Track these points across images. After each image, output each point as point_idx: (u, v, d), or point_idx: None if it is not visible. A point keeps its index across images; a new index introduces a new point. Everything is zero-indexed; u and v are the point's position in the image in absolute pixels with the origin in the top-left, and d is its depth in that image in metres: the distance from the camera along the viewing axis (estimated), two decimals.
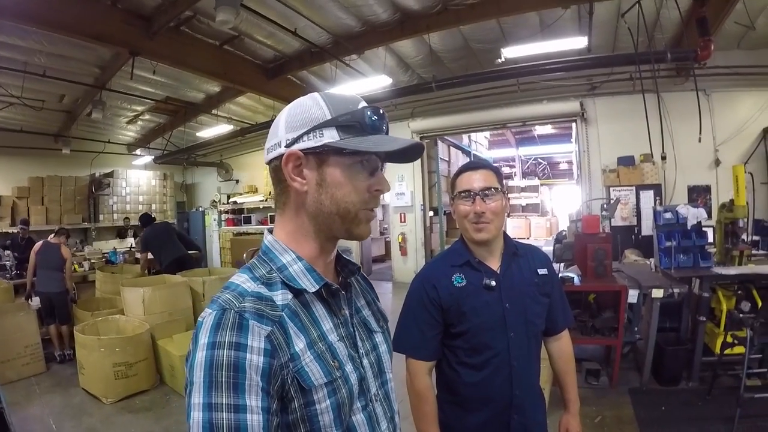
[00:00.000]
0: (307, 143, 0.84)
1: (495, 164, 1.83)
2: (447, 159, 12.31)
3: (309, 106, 0.86)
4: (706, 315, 4.33)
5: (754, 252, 4.74)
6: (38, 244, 6.27)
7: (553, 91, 8.58)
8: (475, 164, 1.68)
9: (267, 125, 10.32)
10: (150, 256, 7.48)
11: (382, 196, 0.93)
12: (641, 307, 4.46)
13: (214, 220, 13.73)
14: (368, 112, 0.86)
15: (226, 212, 13.16)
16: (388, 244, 13.64)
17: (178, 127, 11.25)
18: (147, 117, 10.96)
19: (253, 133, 11.04)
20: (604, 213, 5.64)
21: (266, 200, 11.75)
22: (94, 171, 12.53)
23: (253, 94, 9.33)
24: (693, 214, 4.71)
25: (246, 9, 5.77)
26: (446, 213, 11.46)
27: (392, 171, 10.08)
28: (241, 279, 0.84)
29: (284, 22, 6.46)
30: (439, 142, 11.48)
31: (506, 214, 1.66)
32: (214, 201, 13.86)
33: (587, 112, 8.63)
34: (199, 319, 0.78)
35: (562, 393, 1.84)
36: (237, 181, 13.96)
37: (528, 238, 19.20)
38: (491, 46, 7.51)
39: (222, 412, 0.68)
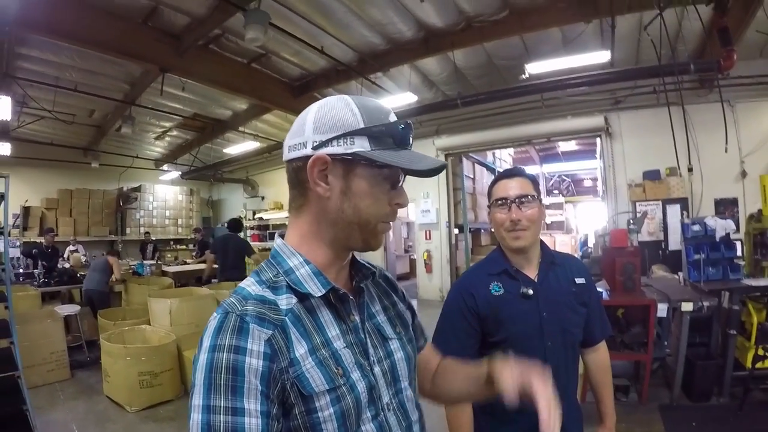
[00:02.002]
0: (336, 149, 0.82)
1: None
2: (472, 176, 12.29)
3: (341, 110, 0.84)
4: (736, 328, 4.26)
5: None
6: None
7: (577, 106, 8.56)
8: (511, 172, 1.68)
9: None
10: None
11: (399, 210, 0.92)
12: (670, 322, 4.39)
13: (240, 235, 13.86)
14: (401, 127, 0.85)
15: (252, 228, 13.31)
16: (413, 262, 13.60)
17: (205, 143, 11.49)
18: (175, 133, 11.22)
19: (279, 150, 11.17)
20: (631, 227, 5.56)
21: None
22: (122, 185, 12.86)
23: (280, 112, 9.42)
24: (721, 226, 4.64)
25: (273, 27, 5.88)
26: (471, 230, 11.41)
27: (417, 188, 10.14)
28: (248, 283, 0.85)
29: (310, 40, 6.60)
30: (464, 159, 11.49)
31: (543, 222, 1.65)
32: (240, 217, 14.05)
33: (611, 127, 8.57)
34: (208, 322, 0.78)
35: (598, 406, 1.80)
36: (263, 198, 14.13)
37: None
38: (515, 62, 7.53)
39: (220, 414, 0.68)
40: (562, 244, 20.39)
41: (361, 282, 0.96)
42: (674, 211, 7.64)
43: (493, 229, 1.71)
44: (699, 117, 7.65)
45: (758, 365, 3.99)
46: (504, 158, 16.22)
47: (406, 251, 14.28)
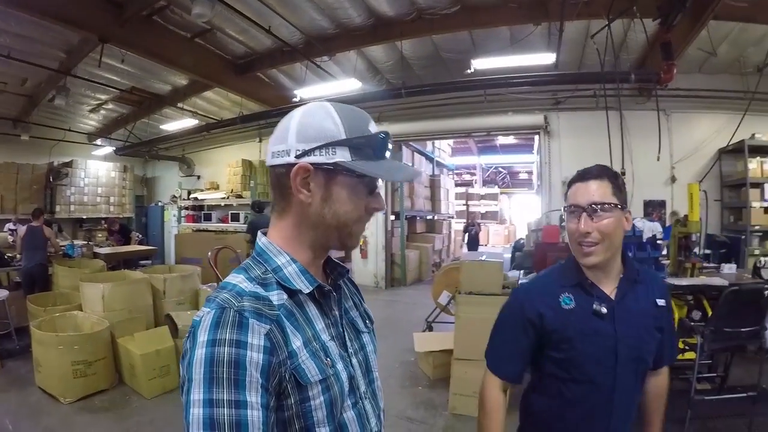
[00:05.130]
0: (318, 158, 0.86)
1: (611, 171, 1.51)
2: (410, 164, 12.37)
3: (323, 119, 0.87)
4: None
5: (705, 264, 4.99)
6: (23, 229, 7.13)
7: (518, 103, 8.77)
8: (589, 173, 1.44)
9: (233, 122, 10.28)
10: None
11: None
12: None
13: (174, 216, 13.36)
14: (381, 139, 0.90)
15: (186, 208, 12.83)
16: None
17: (141, 118, 11.05)
18: (110, 106, 10.70)
19: (219, 129, 10.94)
20: (563, 224, 5.83)
21: (228, 198, 11.56)
22: (52, 159, 12.09)
23: (221, 90, 9.24)
24: (649, 228, 4.93)
25: (221, 3, 5.72)
26: (407, 218, 11.54)
27: None
28: (238, 279, 0.86)
29: (258, 18, 6.45)
30: (404, 147, 11.59)
31: (624, 231, 1.42)
32: (175, 196, 13.52)
33: (551, 126, 8.86)
34: (195, 318, 0.79)
35: (647, 430, 1.67)
36: (199, 177, 13.68)
37: (486, 245, 19.51)
38: (461, 56, 7.66)
39: (223, 407, 0.69)
40: (495, 234, 21.16)
41: (338, 279, 1.02)
42: None
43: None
44: (635, 123, 8.12)
45: (679, 357, 4.29)
46: (443, 148, 16.53)
47: None
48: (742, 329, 3.70)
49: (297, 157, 0.86)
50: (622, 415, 1.44)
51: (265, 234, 0.96)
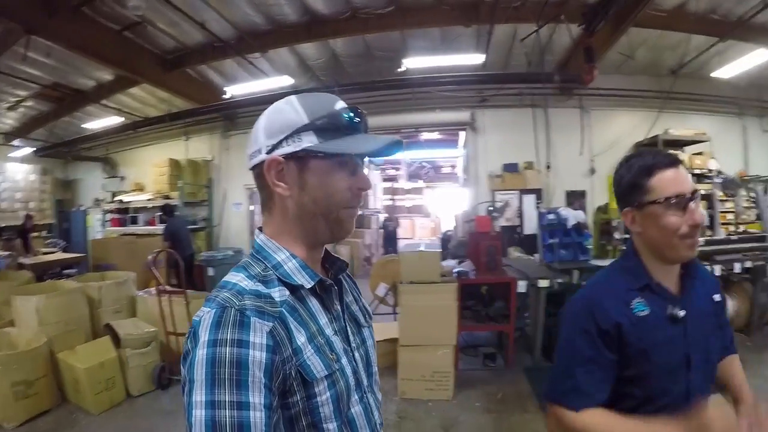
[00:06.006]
0: (287, 149, 0.86)
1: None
2: None
3: (285, 111, 0.88)
4: None
5: (624, 247, 5.55)
6: None
7: (446, 100, 9.02)
8: (672, 158, 1.26)
9: (161, 119, 10.03)
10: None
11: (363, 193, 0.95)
12: (529, 296, 5.01)
13: (98, 220, 12.57)
14: (343, 113, 0.89)
15: (111, 212, 12.12)
16: None
17: (63, 116, 10.43)
18: (30, 103, 10.00)
19: (144, 127, 10.56)
20: (494, 214, 6.20)
21: (155, 199, 10.89)
22: None
23: (148, 86, 8.90)
24: (573, 216, 5.37)
25: None
26: None
27: None
28: (238, 278, 0.85)
29: (191, 11, 6.30)
30: None
31: None
32: (98, 199, 12.81)
33: (477, 122, 9.26)
34: (195, 318, 0.78)
35: (733, 383, 1.44)
36: (123, 178, 12.88)
37: (413, 239, 19.91)
38: (392, 55, 7.82)
39: (225, 409, 0.68)
40: (421, 227, 21.71)
41: (338, 274, 1.02)
42: (530, 200, 8.61)
43: (633, 231, 1.33)
44: (557, 119, 8.73)
45: None
46: None
47: None
48: None
49: (267, 152, 0.88)
50: None
51: (261, 230, 0.96)
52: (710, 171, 8.41)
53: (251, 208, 11.07)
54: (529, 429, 3.75)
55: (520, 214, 8.67)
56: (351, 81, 8.59)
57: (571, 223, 5.31)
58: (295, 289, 0.87)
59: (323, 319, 0.89)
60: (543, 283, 4.73)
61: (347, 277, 1.10)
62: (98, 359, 4.37)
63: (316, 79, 9.11)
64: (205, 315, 0.76)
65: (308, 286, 0.88)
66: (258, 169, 0.91)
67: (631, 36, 6.98)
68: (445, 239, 8.69)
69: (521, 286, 4.75)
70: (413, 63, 7.36)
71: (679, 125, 8.58)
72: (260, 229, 0.97)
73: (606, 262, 4.96)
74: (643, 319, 1.24)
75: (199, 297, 5.44)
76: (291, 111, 0.88)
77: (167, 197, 10.40)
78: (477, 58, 7.32)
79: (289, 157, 0.87)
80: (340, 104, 0.91)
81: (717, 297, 1.39)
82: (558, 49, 7.80)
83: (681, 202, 1.20)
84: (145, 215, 11.50)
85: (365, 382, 0.96)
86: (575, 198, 8.36)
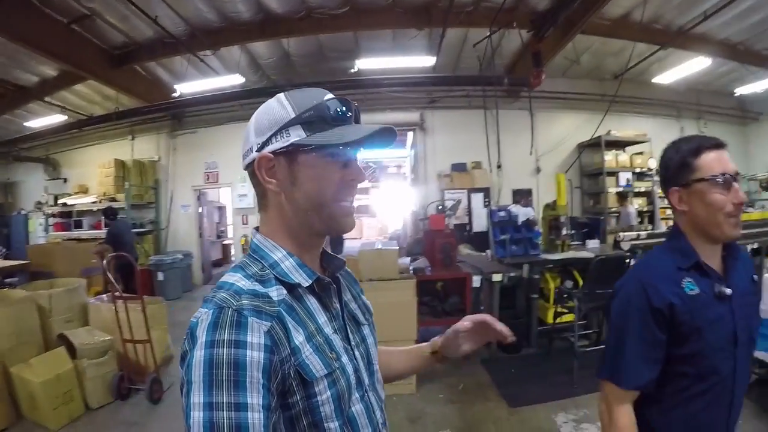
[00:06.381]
0: (276, 145, 0.86)
1: None
2: None
3: (273, 107, 0.88)
4: (537, 293, 5.24)
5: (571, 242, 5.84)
6: None
7: (396, 101, 9.17)
8: (717, 141, 1.32)
9: (107, 118, 9.75)
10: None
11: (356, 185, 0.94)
12: (482, 291, 5.16)
13: (40, 225, 11.98)
14: (329, 105, 0.87)
15: (54, 215, 11.53)
16: (226, 248, 13.26)
17: (3, 114, 9.88)
18: None
19: (90, 126, 10.17)
20: (447, 212, 6.35)
21: (100, 201, 10.46)
22: None
23: (94, 83, 8.54)
24: (523, 213, 5.59)
25: None
26: None
27: (235, 172, 9.85)
28: (235, 278, 0.84)
29: (143, 5, 6.08)
30: None
31: None
32: (40, 203, 12.16)
33: (426, 123, 9.49)
34: (192, 319, 0.77)
35: None
36: (65, 180, 12.33)
37: (360, 239, 20.00)
38: (345, 55, 7.91)
39: (223, 411, 0.67)
40: (369, 226, 21.89)
41: (335, 272, 1.02)
42: (478, 199, 8.88)
43: (679, 209, 1.37)
44: (504, 120, 9.04)
45: (559, 320, 4.99)
46: None
47: (219, 237, 13.50)
48: (611, 290, 4.46)
49: (258, 150, 0.88)
50: (738, 404, 1.35)
51: (257, 230, 0.96)
52: (650, 169, 9.02)
53: (199, 210, 10.81)
54: (492, 416, 3.91)
55: (468, 213, 8.89)
56: (302, 81, 8.59)
57: (521, 219, 5.53)
58: (292, 287, 0.87)
59: (322, 317, 0.89)
60: (496, 278, 4.90)
61: (346, 274, 1.10)
62: (54, 372, 4.11)
63: (267, 79, 9.06)
64: (203, 316, 0.76)
65: (306, 284, 0.88)
66: (250, 168, 0.91)
67: (577, 42, 7.36)
68: (394, 238, 8.80)
69: (475, 280, 4.90)
70: (365, 64, 7.44)
71: (621, 127, 9.20)
72: (257, 228, 0.96)
73: (555, 256, 5.23)
74: (694, 297, 1.28)
75: (155, 302, 5.36)
76: (278, 107, 0.88)
77: (113, 199, 10.04)
78: (428, 61, 7.47)
79: (279, 153, 0.87)
80: (328, 96, 0.90)
81: (756, 277, 1.44)
82: (507, 53, 8.10)
83: (726, 181, 1.26)
84: (90, 219, 11.06)
85: (366, 380, 0.95)
86: (521, 196, 8.67)
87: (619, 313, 1.37)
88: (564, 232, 5.57)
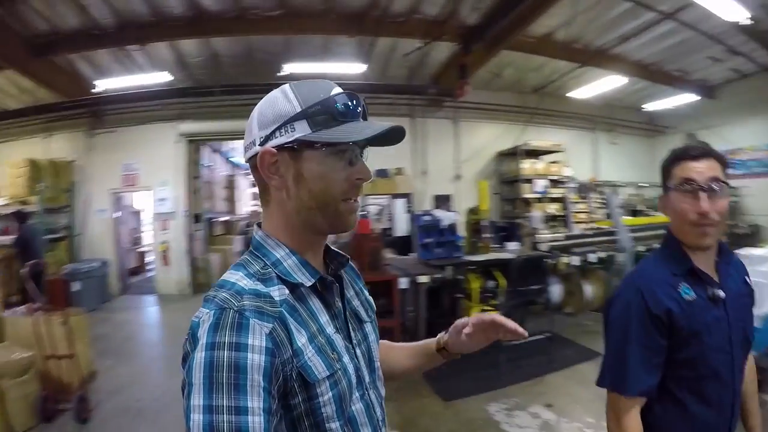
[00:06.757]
0: (280, 139, 0.83)
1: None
2: (210, 164, 11.97)
3: (278, 100, 0.85)
4: (461, 293, 5.49)
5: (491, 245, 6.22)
6: None
7: None
8: (699, 150, 1.33)
9: (21, 113, 9.19)
10: None
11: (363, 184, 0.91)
12: (407, 292, 5.35)
13: None
14: (337, 100, 0.84)
15: None
16: (140, 255, 12.42)
17: None
18: None
19: (2, 121, 9.36)
20: (375, 216, 6.58)
21: (10, 204, 9.02)
22: None
23: (9, 74, 7.93)
24: (447, 217, 5.91)
25: None
26: (210, 219, 11.12)
27: (155, 175, 9.37)
28: (236, 276, 0.82)
29: None
30: (201, 148, 10.83)
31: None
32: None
33: None
34: (194, 319, 0.76)
35: (746, 419, 1.51)
36: None
37: None
38: (274, 58, 7.83)
39: (223, 414, 0.66)
40: None
41: (338, 269, 0.98)
42: (400, 204, 9.05)
43: (665, 215, 1.42)
44: (427, 128, 9.49)
45: None
46: (237, 147, 15.83)
47: (135, 244, 12.54)
48: (531, 287, 5.07)
49: (261, 144, 0.85)
50: (736, 401, 1.37)
51: (259, 226, 0.93)
52: (565, 177, 9.75)
53: (114, 215, 9.99)
54: (429, 411, 4.12)
55: (390, 218, 8.98)
56: (230, 82, 8.49)
57: (445, 223, 5.83)
58: (294, 287, 0.84)
59: (324, 317, 0.87)
60: (423, 279, 5.12)
61: (350, 269, 1.07)
62: None
63: (192, 77, 8.77)
64: (204, 316, 0.74)
65: (308, 284, 0.85)
66: (252, 162, 0.88)
67: (501, 57, 7.82)
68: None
69: (403, 282, 5.07)
70: (295, 68, 7.47)
71: (538, 137, 9.87)
72: (259, 224, 0.93)
73: (478, 258, 5.56)
74: (690, 303, 1.29)
75: (77, 314, 4.84)
76: (283, 99, 0.85)
77: (24, 202, 8.82)
78: (359, 68, 7.61)
79: (282, 148, 0.84)
80: (336, 90, 0.87)
81: (749, 279, 1.45)
82: (434, 63, 8.43)
83: (690, 189, 1.28)
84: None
85: (367, 378, 0.93)
86: (442, 201, 9.08)
87: (619, 320, 1.37)
88: (485, 235, 5.94)
